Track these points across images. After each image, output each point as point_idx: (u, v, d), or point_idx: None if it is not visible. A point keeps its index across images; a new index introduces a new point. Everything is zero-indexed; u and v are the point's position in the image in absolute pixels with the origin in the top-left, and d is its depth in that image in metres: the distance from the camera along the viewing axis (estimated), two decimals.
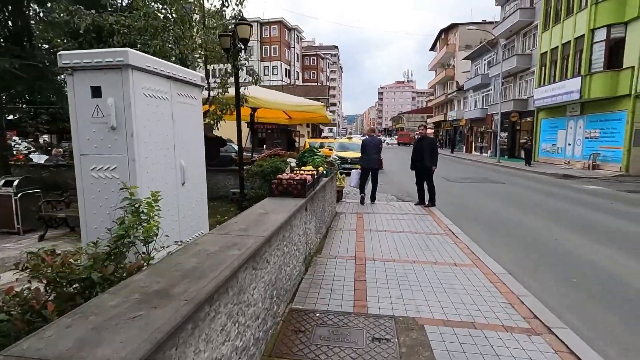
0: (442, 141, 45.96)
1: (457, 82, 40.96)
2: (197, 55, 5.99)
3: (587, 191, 12.33)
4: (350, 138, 18.72)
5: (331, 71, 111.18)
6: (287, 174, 4.54)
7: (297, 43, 76.62)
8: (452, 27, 43.84)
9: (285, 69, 70.72)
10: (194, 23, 5.69)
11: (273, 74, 68.14)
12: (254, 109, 8.94)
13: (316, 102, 9.03)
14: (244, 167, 6.82)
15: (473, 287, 3.84)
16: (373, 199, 9.33)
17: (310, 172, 4.81)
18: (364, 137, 10.77)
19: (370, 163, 8.92)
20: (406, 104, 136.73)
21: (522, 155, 23.10)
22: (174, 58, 5.99)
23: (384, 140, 77.17)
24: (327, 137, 41.82)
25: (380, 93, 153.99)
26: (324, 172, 5.95)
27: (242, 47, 6.10)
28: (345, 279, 3.99)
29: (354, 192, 11.19)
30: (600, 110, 18.87)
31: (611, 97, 17.74)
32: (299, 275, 3.88)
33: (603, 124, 18.95)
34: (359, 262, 4.61)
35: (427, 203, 8.64)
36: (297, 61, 76.97)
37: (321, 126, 48.79)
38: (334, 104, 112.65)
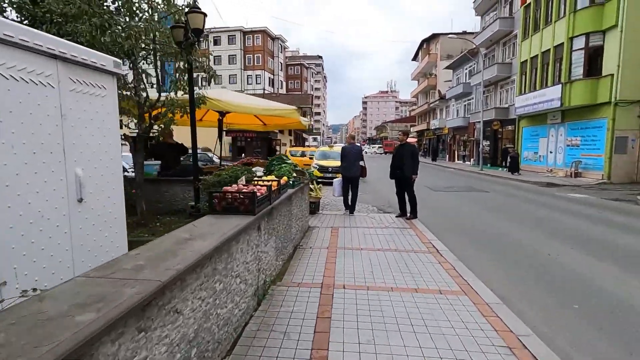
0: (425, 150, 45.96)
1: (439, 91, 41.13)
2: (144, 46, 5.16)
3: (574, 200, 11.93)
4: (332, 146, 18.07)
5: (315, 81, 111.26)
6: (238, 185, 3.74)
7: (281, 52, 76.32)
8: (434, 37, 44.18)
9: (269, 77, 70.21)
10: (137, 11, 4.91)
11: (257, 83, 67.47)
12: (222, 114, 8.13)
13: (288, 106, 8.27)
14: (203, 177, 5.98)
15: (462, 325, 3.10)
16: (352, 209, 8.65)
17: (268, 183, 4.03)
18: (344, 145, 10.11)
19: (350, 171, 8.39)
20: (390, 114, 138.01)
21: (505, 163, 22.88)
22: (117, 50, 5.15)
23: (364, 150, 77.36)
24: (309, 146, 41.25)
25: (365, 103, 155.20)
26: (291, 182, 5.18)
27: (195, 39, 5.34)
28: (306, 317, 3.20)
29: (334, 202, 10.45)
30: (580, 118, 18.80)
31: (591, 105, 17.68)
32: (246, 314, 3.07)
33: (584, 132, 18.87)
34: (325, 290, 3.82)
35: (408, 215, 7.99)
36: (281, 70, 76.57)
37: (304, 135, 48.22)
38: (318, 114, 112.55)
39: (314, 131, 69.28)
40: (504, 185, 16.38)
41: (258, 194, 3.38)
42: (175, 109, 5.68)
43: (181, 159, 7.94)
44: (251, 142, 23.56)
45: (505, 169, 22.62)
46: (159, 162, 7.78)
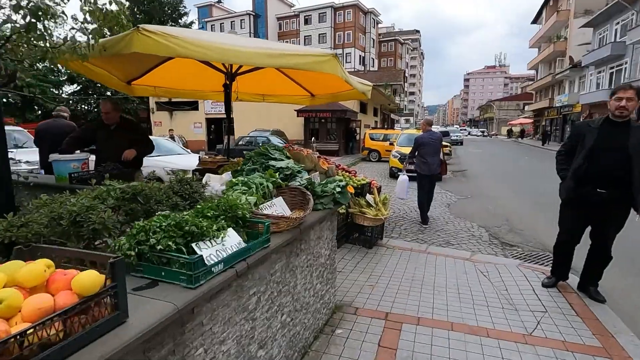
0: (547, 132, 37.19)
1: (570, 57, 32.26)
2: None
3: None
4: (419, 129, 13.93)
5: (411, 58, 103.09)
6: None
7: (373, 28, 71.40)
8: None
9: (360, 55, 66.35)
10: None
11: (346, 62, 64.35)
12: (228, 76, 5.07)
13: (314, 50, 4.74)
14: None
15: None
16: (425, 219, 6.53)
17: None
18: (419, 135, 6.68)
19: (429, 168, 6.28)
20: (497, 92, 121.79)
21: None
22: None
23: (468, 132, 68.16)
24: (400, 129, 36.44)
25: (467, 80, 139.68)
26: (235, 247, 1.78)
27: None
28: None
29: (405, 211, 6.79)
30: None
31: None
32: None
33: None
34: None
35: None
36: (373, 47, 71.88)
37: (393, 115, 43.42)
38: (412, 93, 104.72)
39: (405, 112, 63.37)
40: None
41: None
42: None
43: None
44: (325, 123, 20.51)
45: None
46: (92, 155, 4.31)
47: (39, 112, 24.90)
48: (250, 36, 68.36)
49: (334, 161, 6.94)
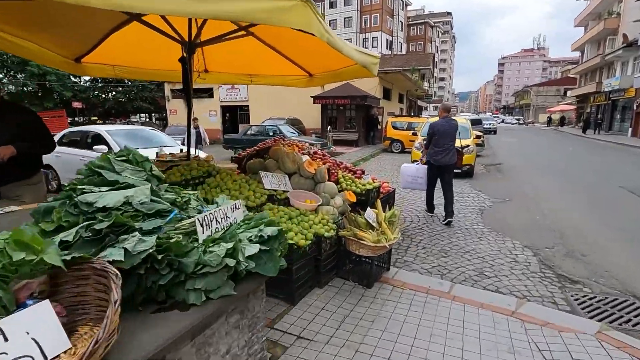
0: (597, 119, 33.66)
1: (624, 35, 28.70)
2: None
3: None
4: None
5: (442, 42, 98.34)
6: None
7: (402, 10, 68.12)
8: None
9: (387, 39, 63.66)
10: None
11: (373, 47, 61.99)
12: (188, 47, 3.76)
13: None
14: None
15: None
16: (450, 215, 5.74)
17: None
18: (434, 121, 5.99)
19: (443, 158, 5.67)
20: (534, 77, 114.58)
21: None
22: None
23: (502, 120, 64.13)
24: (428, 117, 34.20)
25: (501, 64, 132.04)
26: None
27: None
28: None
29: (429, 221, 5.29)
30: None
31: None
32: None
33: None
34: None
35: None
36: (401, 31, 68.79)
37: (420, 102, 40.91)
38: (442, 79, 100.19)
39: (434, 98, 60.25)
40: None
41: None
42: None
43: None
44: (344, 110, 18.91)
45: None
46: None
47: (58, 100, 24.79)
48: None
49: (333, 160, 5.54)
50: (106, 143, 6.97)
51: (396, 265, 4.04)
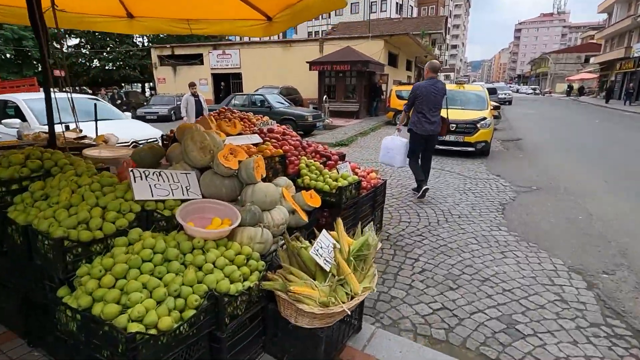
0: (630, 87, 30.92)
1: None
2: None
3: None
4: (462, 85, 10.30)
5: (455, 5, 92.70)
6: None
7: None
8: None
9: (397, 3, 59.95)
10: None
11: (382, 10, 58.54)
12: None
13: None
14: None
15: None
16: (420, 189, 5.03)
17: None
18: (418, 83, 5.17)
19: (429, 125, 4.87)
20: (552, 43, 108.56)
21: None
22: None
23: (517, 90, 60.80)
24: None
25: (518, 30, 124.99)
26: None
27: None
28: None
29: (424, 223, 3.76)
30: None
31: None
32: None
33: None
34: None
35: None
36: None
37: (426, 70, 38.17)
38: (455, 46, 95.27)
39: (445, 66, 57.01)
40: None
41: None
42: None
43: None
44: (343, 78, 16.96)
45: None
46: None
47: (39, 67, 23.07)
48: None
49: (296, 142, 3.95)
50: (22, 116, 5.49)
51: (376, 315, 2.59)
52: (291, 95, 17.33)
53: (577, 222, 4.36)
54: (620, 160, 7.98)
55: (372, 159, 7.99)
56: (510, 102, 29.23)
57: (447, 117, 5.30)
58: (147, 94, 28.55)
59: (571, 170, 7.03)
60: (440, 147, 8.31)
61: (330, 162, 3.69)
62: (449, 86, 10.91)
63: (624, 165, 7.53)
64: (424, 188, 5.02)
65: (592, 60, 46.01)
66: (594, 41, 49.57)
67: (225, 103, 12.41)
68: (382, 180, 3.94)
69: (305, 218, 2.55)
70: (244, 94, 12.81)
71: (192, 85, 8.27)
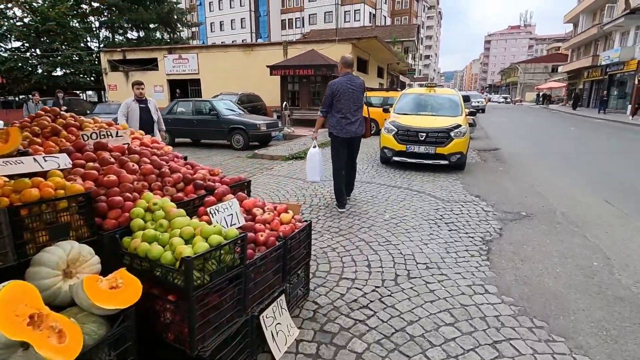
0: (603, 95, 31.07)
1: (627, 1, 25.88)
2: None
3: None
4: (432, 88, 9.07)
5: (428, 17, 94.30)
6: None
7: None
8: None
9: (370, 12, 60.24)
10: None
11: (355, 20, 58.61)
12: None
13: None
14: None
15: None
16: (344, 196, 4.65)
17: None
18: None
19: (350, 126, 4.46)
20: (520, 54, 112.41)
21: None
22: None
23: (489, 99, 61.52)
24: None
25: (488, 42, 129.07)
26: None
27: None
28: None
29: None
30: None
31: None
32: None
33: None
34: None
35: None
36: (385, 3, 65.03)
37: (403, 78, 37.60)
38: (428, 57, 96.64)
39: (417, 76, 57.07)
40: None
41: None
42: None
43: None
44: (307, 83, 15.59)
45: None
46: None
47: None
48: (250, 12, 62.27)
49: (99, 171, 2.45)
50: None
51: None
52: (253, 102, 15.82)
53: (594, 274, 3.02)
54: (613, 173, 6.89)
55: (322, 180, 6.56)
56: (483, 110, 28.78)
57: (369, 116, 4.90)
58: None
59: (562, 187, 5.83)
60: (408, 160, 7.00)
61: (210, 198, 2.19)
62: (418, 89, 9.70)
63: (618, 178, 6.42)
64: (343, 202, 4.64)
65: (560, 69, 46.93)
66: (560, 52, 51.03)
67: (167, 110, 10.75)
68: (303, 223, 2.47)
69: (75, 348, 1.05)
70: (189, 100, 11.18)
71: (137, 85, 5.65)
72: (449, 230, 3.96)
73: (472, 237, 3.77)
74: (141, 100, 5.60)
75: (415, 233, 3.85)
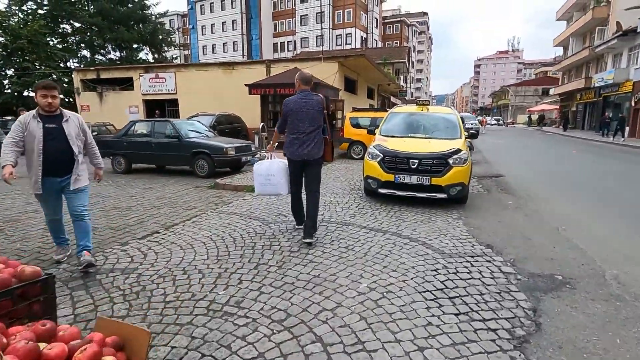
0: (606, 117, 30.36)
1: (618, 23, 25.61)
2: None
3: None
4: (424, 106, 7.85)
5: (419, 42, 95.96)
6: None
7: (377, 6, 65.27)
8: None
9: (362, 36, 60.90)
10: None
11: (347, 44, 59.09)
12: None
13: None
14: None
15: None
16: (311, 231, 4.00)
17: None
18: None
19: (301, 148, 3.99)
20: (509, 78, 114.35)
21: None
22: None
23: (477, 119, 61.40)
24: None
25: (477, 66, 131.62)
26: None
27: None
28: None
29: None
30: None
31: None
32: None
33: None
34: None
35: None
36: (376, 28, 65.92)
37: (394, 99, 36.91)
38: (419, 80, 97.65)
39: (408, 98, 56.96)
40: None
41: None
42: None
43: None
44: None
45: None
46: None
47: None
48: (242, 17, 62.96)
49: None
50: None
51: None
52: (233, 123, 14.58)
53: None
54: None
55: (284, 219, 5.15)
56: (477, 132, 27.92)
57: (331, 138, 4.54)
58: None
59: (599, 232, 4.47)
60: (399, 192, 5.64)
61: None
62: (409, 108, 8.47)
63: None
64: (307, 239, 3.93)
65: (551, 91, 46.92)
66: (549, 75, 51.50)
67: (123, 132, 9.38)
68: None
69: None
70: (147, 121, 9.81)
71: (43, 89, 3.25)
72: (456, 315, 2.54)
73: (495, 331, 2.36)
74: (50, 115, 3.29)
75: (405, 324, 2.43)
